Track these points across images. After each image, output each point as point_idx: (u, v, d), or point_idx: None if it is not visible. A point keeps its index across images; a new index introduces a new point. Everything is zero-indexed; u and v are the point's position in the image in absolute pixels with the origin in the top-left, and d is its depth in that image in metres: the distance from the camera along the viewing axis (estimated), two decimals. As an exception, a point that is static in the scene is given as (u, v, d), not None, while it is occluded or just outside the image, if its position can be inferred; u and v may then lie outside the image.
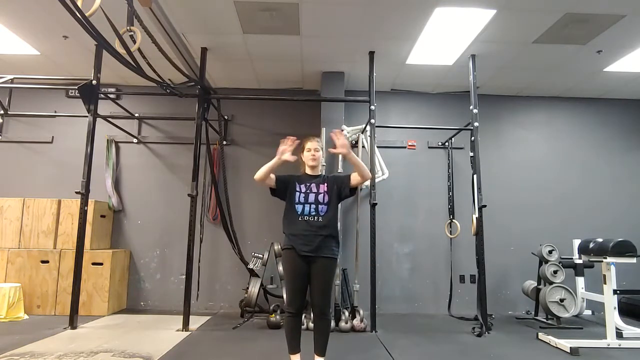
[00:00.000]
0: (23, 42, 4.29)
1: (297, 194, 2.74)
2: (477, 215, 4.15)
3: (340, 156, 4.73)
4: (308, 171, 2.85)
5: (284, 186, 2.79)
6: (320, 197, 2.73)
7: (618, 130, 5.58)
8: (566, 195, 5.37)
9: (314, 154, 2.81)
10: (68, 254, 4.51)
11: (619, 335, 3.79)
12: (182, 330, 3.86)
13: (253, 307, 4.34)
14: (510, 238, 5.20)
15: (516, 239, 5.19)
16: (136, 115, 5.17)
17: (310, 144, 2.84)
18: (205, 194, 5.11)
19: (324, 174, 2.98)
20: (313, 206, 2.70)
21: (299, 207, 2.72)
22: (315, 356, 2.66)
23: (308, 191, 2.74)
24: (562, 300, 4.28)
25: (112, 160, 5.16)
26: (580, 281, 4.67)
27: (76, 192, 3.96)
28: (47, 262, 4.53)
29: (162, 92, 4.12)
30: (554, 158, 5.47)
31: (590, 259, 3.76)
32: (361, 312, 4.12)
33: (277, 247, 4.54)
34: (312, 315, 2.84)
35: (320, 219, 2.68)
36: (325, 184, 2.78)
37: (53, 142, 5.27)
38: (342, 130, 4.77)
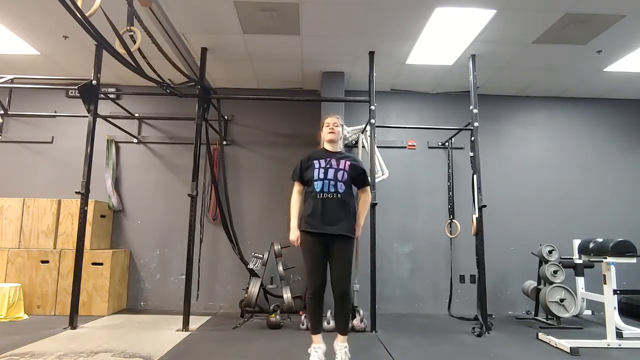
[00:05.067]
0: (23, 42, 4.29)
1: (316, 170, 2.63)
2: (477, 215, 4.15)
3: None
4: (327, 147, 2.75)
5: (306, 175, 2.71)
6: (340, 174, 2.61)
7: (618, 130, 5.58)
8: (566, 195, 5.38)
9: (332, 128, 2.73)
10: (68, 254, 4.51)
11: (619, 335, 3.79)
12: (182, 330, 3.85)
13: (253, 307, 4.34)
14: (510, 238, 5.20)
15: (516, 239, 5.19)
16: (136, 115, 5.17)
17: (329, 120, 2.77)
18: (205, 194, 5.11)
19: (345, 153, 2.87)
20: (332, 182, 2.58)
21: (318, 184, 2.59)
22: (339, 335, 2.66)
23: (328, 166, 2.62)
24: (562, 300, 4.28)
25: (112, 160, 5.15)
26: (580, 281, 4.67)
27: (76, 192, 3.95)
28: (47, 262, 4.53)
29: (162, 92, 4.12)
30: (554, 158, 5.47)
31: (590, 259, 3.76)
32: (361, 312, 4.12)
33: (277, 247, 4.53)
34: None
35: (339, 195, 2.58)
36: (348, 163, 2.68)
37: (53, 142, 5.27)
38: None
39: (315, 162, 2.68)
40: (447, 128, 5.08)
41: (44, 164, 5.22)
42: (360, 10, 3.69)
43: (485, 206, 4.14)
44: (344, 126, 4.74)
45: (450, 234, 5.09)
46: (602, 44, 4.17)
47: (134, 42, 3.03)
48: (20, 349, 3.14)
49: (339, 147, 2.81)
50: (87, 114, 4.09)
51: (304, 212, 2.68)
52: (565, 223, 5.27)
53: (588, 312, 4.93)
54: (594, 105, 5.62)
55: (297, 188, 2.80)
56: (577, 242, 4.56)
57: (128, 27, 2.98)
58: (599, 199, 5.40)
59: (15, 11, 3.75)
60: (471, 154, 4.46)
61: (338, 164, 2.67)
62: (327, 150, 2.77)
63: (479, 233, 4.16)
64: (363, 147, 4.84)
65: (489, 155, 5.33)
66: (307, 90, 5.45)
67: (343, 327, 2.69)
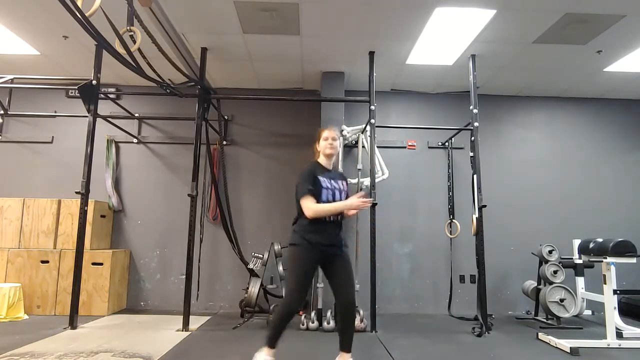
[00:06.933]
0: (23, 42, 4.29)
1: (325, 191, 2.57)
2: (477, 215, 4.15)
3: (340, 156, 4.73)
4: (323, 161, 2.71)
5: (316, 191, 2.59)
6: (344, 195, 2.63)
7: (618, 130, 5.58)
8: (566, 195, 5.38)
9: (332, 143, 2.68)
10: (68, 254, 4.51)
11: (619, 335, 3.79)
12: (182, 330, 3.85)
13: (253, 307, 4.34)
14: (510, 238, 5.20)
15: (516, 239, 5.19)
16: (136, 115, 5.17)
17: (328, 133, 2.70)
18: (205, 194, 5.11)
19: (336, 170, 2.85)
20: None
21: None
22: (343, 353, 2.59)
23: (333, 188, 2.61)
24: (562, 300, 4.28)
25: (112, 160, 5.15)
26: (580, 281, 4.67)
27: (76, 192, 3.96)
28: (47, 262, 4.53)
29: (162, 92, 4.12)
30: (554, 158, 5.47)
31: (590, 259, 3.76)
32: (361, 312, 4.12)
33: (277, 247, 4.53)
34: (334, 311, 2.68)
35: (340, 218, 2.60)
36: (345, 183, 2.71)
37: (53, 142, 5.27)
38: (342, 130, 4.79)
39: (322, 181, 2.58)
40: (447, 128, 5.08)
41: (44, 164, 5.22)
42: (360, 10, 3.69)
43: (485, 206, 4.14)
44: (345, 126, 4.82)
45: (450, 234, 5.09)
46: (602, 44, 4.17)
47: (134, 42, 3.03)
48: (20, 349, 3.14)
49: (332, 162, 2.78)
50: (87, 114, 4.09)
51: (307, 232, 2.53)
52: (565, 223, 5.27)
53: (588, 312, 4.93)
54: (594, 105, 5.62)
55: (312, 201, 2.52)
56: (577, 242, 4.56)
57: (128, 27, 2.98)
58: (599, 199, 5.40)
59: (15, 11, 3.75)
60: (471, 154, 4.46)
61: (340, 185, 2.66)
62: (324, 167, 2.70)
63: (479, 233, 4.16)
64: (363, 147, 4.84)
65: (489, 155, 5.33)
66: (307, 90, 5.45)
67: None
